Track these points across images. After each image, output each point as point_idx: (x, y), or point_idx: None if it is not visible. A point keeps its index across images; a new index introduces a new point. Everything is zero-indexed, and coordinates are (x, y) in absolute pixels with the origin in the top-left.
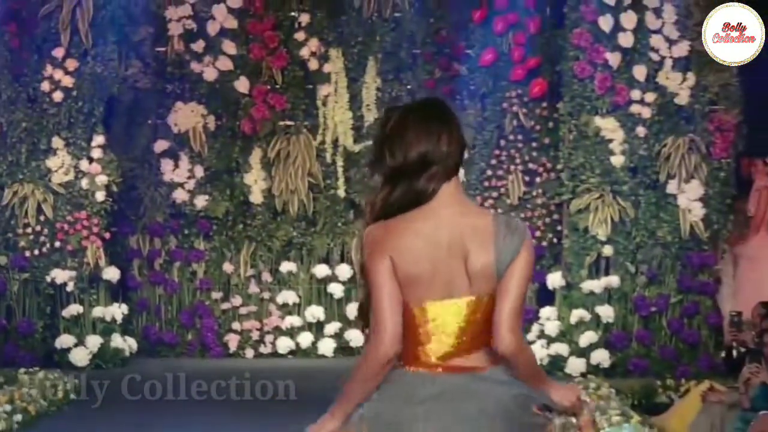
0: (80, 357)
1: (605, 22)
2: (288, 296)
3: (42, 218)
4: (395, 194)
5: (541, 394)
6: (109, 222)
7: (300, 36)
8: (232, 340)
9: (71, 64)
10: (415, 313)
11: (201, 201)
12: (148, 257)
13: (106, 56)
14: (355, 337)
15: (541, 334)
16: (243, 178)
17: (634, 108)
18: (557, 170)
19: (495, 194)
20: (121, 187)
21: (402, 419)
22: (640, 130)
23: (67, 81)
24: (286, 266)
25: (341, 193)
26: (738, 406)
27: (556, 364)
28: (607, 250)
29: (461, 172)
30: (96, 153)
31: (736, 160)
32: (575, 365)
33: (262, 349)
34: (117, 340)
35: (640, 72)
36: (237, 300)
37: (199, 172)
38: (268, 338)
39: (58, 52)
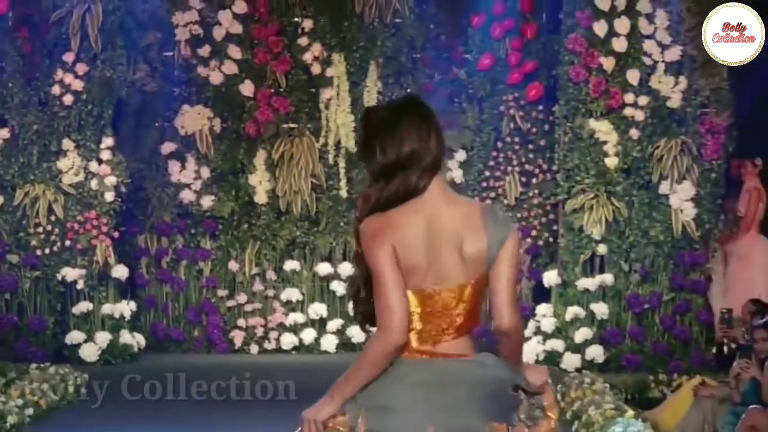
0: (90, 353)
1: (600, 28)
2: (292, 294)
3: (53, 218)
4: (390, 189)
5: (517, 375)
6: (118, 221)
7: (303, 41)
8: (238, 337)
9: (81, 68)
10: (410, 300)
11: (207, 201)
12: (155, 256)
13: (114, 60)
14: (357, 333)
15: (538, 331)
16: (248, 179)
17: (628, 111)
18: (553, 171)
19: (492, 194)
20: (130, 187)
21: (396, 404)
22: (634, 133)
23: (78, 85)
24: (290, 265)
25: (343, 193)
26: (729, 401)
27: (552, 359)
28: (602, 249)
29: (459, 172)
30: (105, 154)
31: (726, 161)
32: (570, 361)
33: (267, 345)
34: (125, 337)
35: (633, 76)
36: (242, 297)
37: (206, 173)
38: (273, 335)
39: (69, 57)
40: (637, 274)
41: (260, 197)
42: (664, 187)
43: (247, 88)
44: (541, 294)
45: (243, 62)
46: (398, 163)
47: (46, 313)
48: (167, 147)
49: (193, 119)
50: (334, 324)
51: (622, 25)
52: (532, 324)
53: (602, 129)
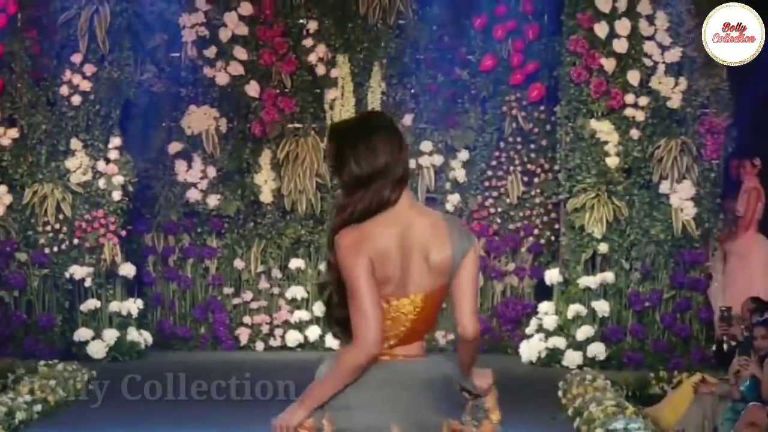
0: (97, 350)
1: (600, 29)
2: (297, 291)
3: (61, 217)
4: (364, 201)
5: (466, 379)
6: (126, 220)
7: (308, 42)
8: (243, 334)
9: (89, 69)
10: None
11: (213, 200)
12: (162, 254)
13: (122, 61)
14: None
15: (540, 328)
16: (253, 179)
17: (629, 111)
18: (555, 171)
19: (495, 194)
20: (137, 186)
21: (361, 403)
22: (634, 133)
23: (85, 85)
24: (295, 263)
25: None
26: (728, 398)
27: (554, 356)
28: (603, 248)
29: (462, 171)
30: (113, 154)
31: (725, 161)
32: (572, 358)
33: (272, 343)
34: (133, 334)
35: (634, 77)
36: (248, 295)
37: (212, 172)
38: (278, 332)
39: (77, 58)
40: (638, 273)
41: (266, 196)
42: (664, 187)
43: (252, 89)
44: (543, 292)
45: (249, 63)
46: (373, 175)
47: (54, 311)
48: (174, 147)
49: (200, 119)
50: None
51: (623, 26)
52: (534, 322)
53: (603, 129)
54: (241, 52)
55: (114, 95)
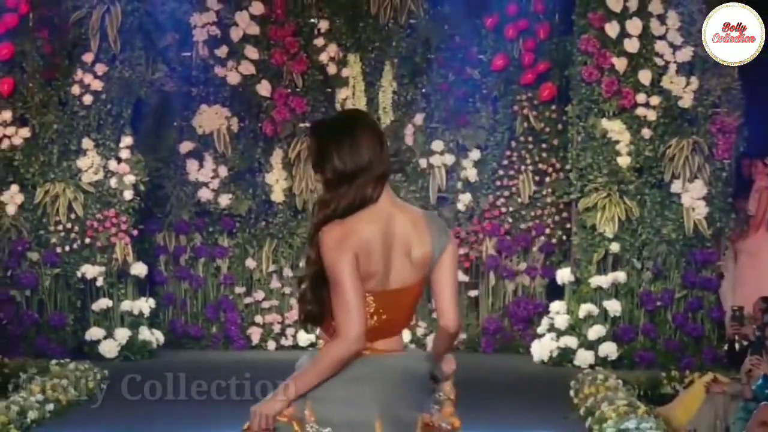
0: (109, 349)
1: (612, 29)
2: None
3: (72, 216)
4: (348, 197)
5: (436, 366)
6: (137, 219)
7: (319, 41)
8: (255, 333)
9: (100, 68)
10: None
11: (225, 200)
12: (174, 253)
13: (133, 61)
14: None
15: (551, 328)
16: (265, 178)
17: (640, 111)
18: (566, 170)
19: (506, 193)
20: (148, 186)
21: (344, 397)
22: (646, 132)
23: (97, 85)
24: None
25: None
26: (740, 397)
27: (566, 356)
28: (614, 247)
29: (474, 171)
30: (124, 153)
31: (737, 160)
32: (584, 357)
33: (284, 342)
34: (144, 333)
35: (645, 76)
36: (259, 294)
37: (223, 171)
38: (290, 331)
39: (88, 57)
40: (650, 272)
41: (277, 196)
42: (675, 186)
43: (264, 88)
44: (555, 291)
45: (260, 62)
46: (356, 171)
47: (66, 310)
48: (185, 146)
49: (211, 119)
50: None
51: (634, 26)
52: (545, 321)
53: (614, 129)
54: (252, 52)
55: (125, 94)
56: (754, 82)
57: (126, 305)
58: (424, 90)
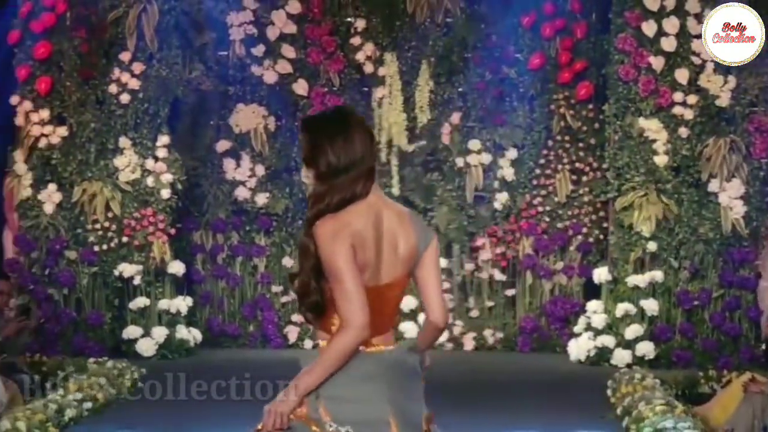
0: (147, 347)
1: (648, 28)
2: None
3: (110, 215)
4: (341, 191)
5: (420, 359)
6: (174, 218)
7: (356, 41)
8: (292, 332)
9: (138, 67)
10: None
11: (262, 198)
12: (211, 252)
13: (170, 60)
14: (408, 328)
15: (588, 327)
16: (302, 177)
17: (677, 110)
18: (603, 169)
19: (543, 192)
20: (186, 185)
21: (357, 396)
22: (683, 131)
23: (134, 83)
24: None
25: (395, 191)
26: None
27: (603, 355)
28: (652, 246)
29: (511, 170)
30: (161, 152)
31: None
32: (621, 357)
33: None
34: (182, 332)
35: (682, 75)
36: None
37: (260, 170)
38: None
39: (125, 56)
40: (687, 271)
41: None
42: (713, 185)
43: (300, 87)
44: (592, 290)
45: (297, 61)
46: (349, 166)
47: (103, 309)
48: (222, 145)
49: (248, 117)
50: None
51: (671, 24)
52: (582, 320)
53: (652, 127)
54: (289, 51)
55: (162, 93)
56: None
57: (163, 304)
58: (460, 89)
